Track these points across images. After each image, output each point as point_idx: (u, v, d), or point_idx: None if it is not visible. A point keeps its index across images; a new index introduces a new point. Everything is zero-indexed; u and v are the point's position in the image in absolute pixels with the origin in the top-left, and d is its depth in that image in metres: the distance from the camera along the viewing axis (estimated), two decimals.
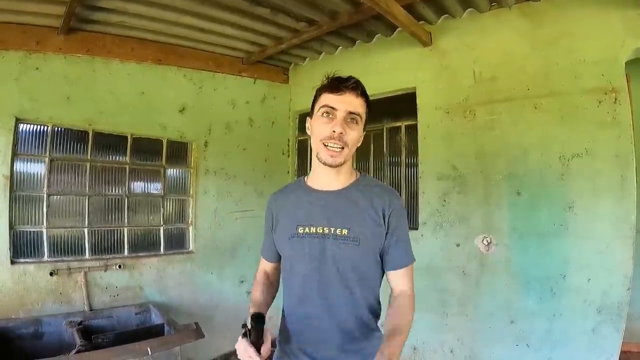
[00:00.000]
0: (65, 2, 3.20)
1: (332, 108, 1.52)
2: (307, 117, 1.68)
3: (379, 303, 1.68)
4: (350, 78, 1.56)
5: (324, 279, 1.57)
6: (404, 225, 1.62)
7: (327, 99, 1.55)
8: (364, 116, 1.58)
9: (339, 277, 1.56)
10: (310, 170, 1.73)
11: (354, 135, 1.55)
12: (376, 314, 1.67)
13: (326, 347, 1.59)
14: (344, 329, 1.58)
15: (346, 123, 1.53)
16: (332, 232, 1.56)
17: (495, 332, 3.58)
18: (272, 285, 1.83)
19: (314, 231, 1.58)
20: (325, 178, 1.64)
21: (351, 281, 1.57)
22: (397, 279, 1.60)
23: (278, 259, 1.78)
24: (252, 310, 1.59)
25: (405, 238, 1.62)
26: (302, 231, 1.60)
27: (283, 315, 1.75)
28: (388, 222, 1.57)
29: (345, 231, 1.55)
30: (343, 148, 1.53)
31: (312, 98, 1.65)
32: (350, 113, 1.53)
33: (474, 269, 3.73)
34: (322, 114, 1.54)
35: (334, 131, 1.51)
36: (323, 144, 1.54)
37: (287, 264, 1.69)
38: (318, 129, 1.56)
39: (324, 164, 1.56)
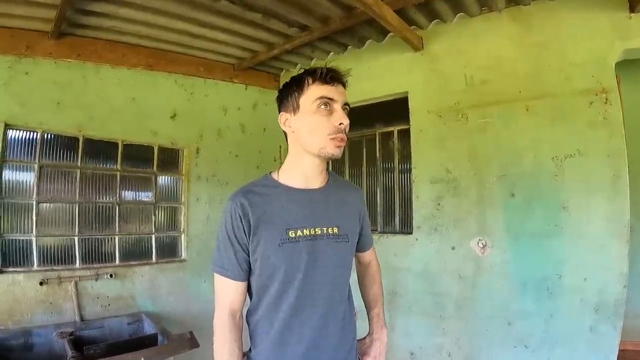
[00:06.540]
0: (55, 6, 3.15)
1: (331, 99, 1.46)
2: (283, 112, 1.56)
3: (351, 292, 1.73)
4: (337, 70, 1.51)
5: (321, 282, 1.51)
6: (366, 213, 1.83)
7: (322, 90, 1.46)
8: None
9: (332, 277, 1.54)
10: (280, 167, 1.62)
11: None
12: (352, 305, 1.71)
13: (329, 350, 1.54)
14: (342, 327, 1.59)
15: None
16: (325, 232, 1.52)
17: (493, 334, 3.57)
18: (240, 331, 1.54)
19: (307, 233, 1.49)
20: (311, 175, 1.56)
21: (340, 278, 1.58)
22: (368, 255, 1.90)
23: (248, 277, 1.54)
24: None
25: (368, 223, 1.86)
26: (293, 235, 1.47)
27: (258, 334, 1.55)
28: (361, 216, 1.73)
29: (336, 229, 1.55)
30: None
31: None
32: (346, 104, 1.50)
33: (469, 271, 3.73)
34: (320, 105, 1.45)
35: (341, 124, 1.45)
36: (330, 137, 1.45)
37: (273, 275, 1.48)
38: (318, 123, 1.45)
39: (331, 158, 1.48)
